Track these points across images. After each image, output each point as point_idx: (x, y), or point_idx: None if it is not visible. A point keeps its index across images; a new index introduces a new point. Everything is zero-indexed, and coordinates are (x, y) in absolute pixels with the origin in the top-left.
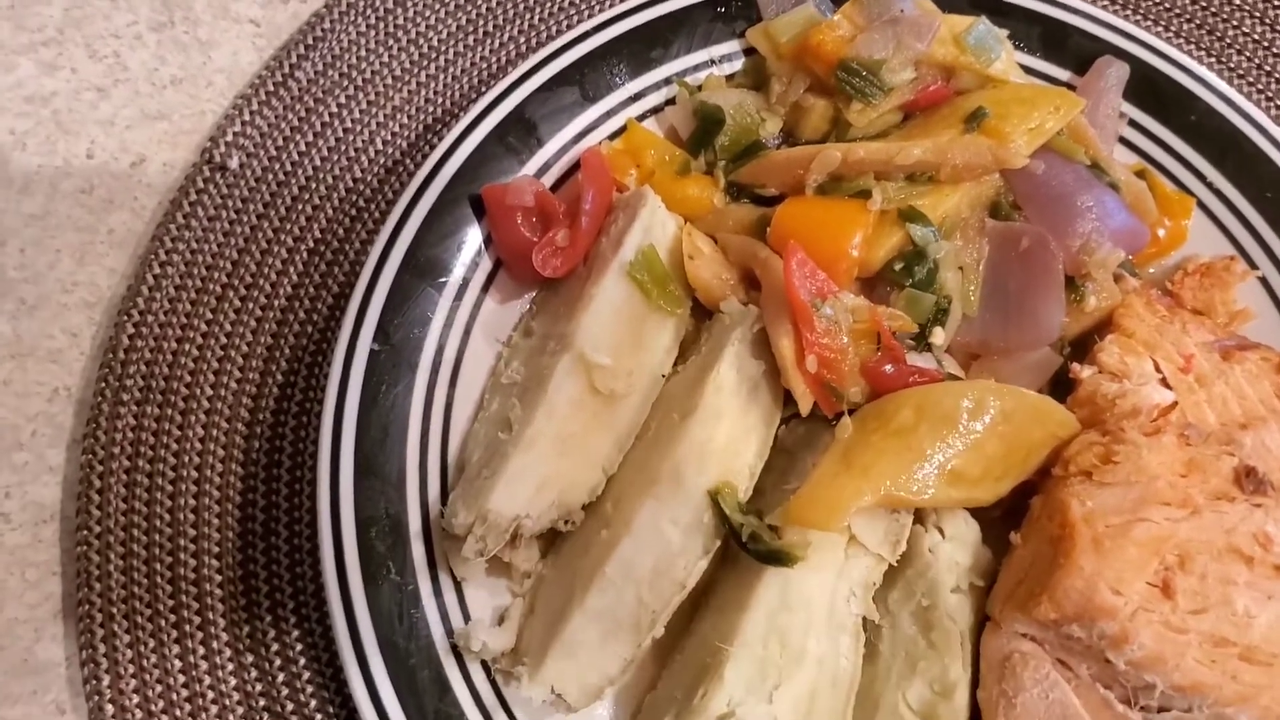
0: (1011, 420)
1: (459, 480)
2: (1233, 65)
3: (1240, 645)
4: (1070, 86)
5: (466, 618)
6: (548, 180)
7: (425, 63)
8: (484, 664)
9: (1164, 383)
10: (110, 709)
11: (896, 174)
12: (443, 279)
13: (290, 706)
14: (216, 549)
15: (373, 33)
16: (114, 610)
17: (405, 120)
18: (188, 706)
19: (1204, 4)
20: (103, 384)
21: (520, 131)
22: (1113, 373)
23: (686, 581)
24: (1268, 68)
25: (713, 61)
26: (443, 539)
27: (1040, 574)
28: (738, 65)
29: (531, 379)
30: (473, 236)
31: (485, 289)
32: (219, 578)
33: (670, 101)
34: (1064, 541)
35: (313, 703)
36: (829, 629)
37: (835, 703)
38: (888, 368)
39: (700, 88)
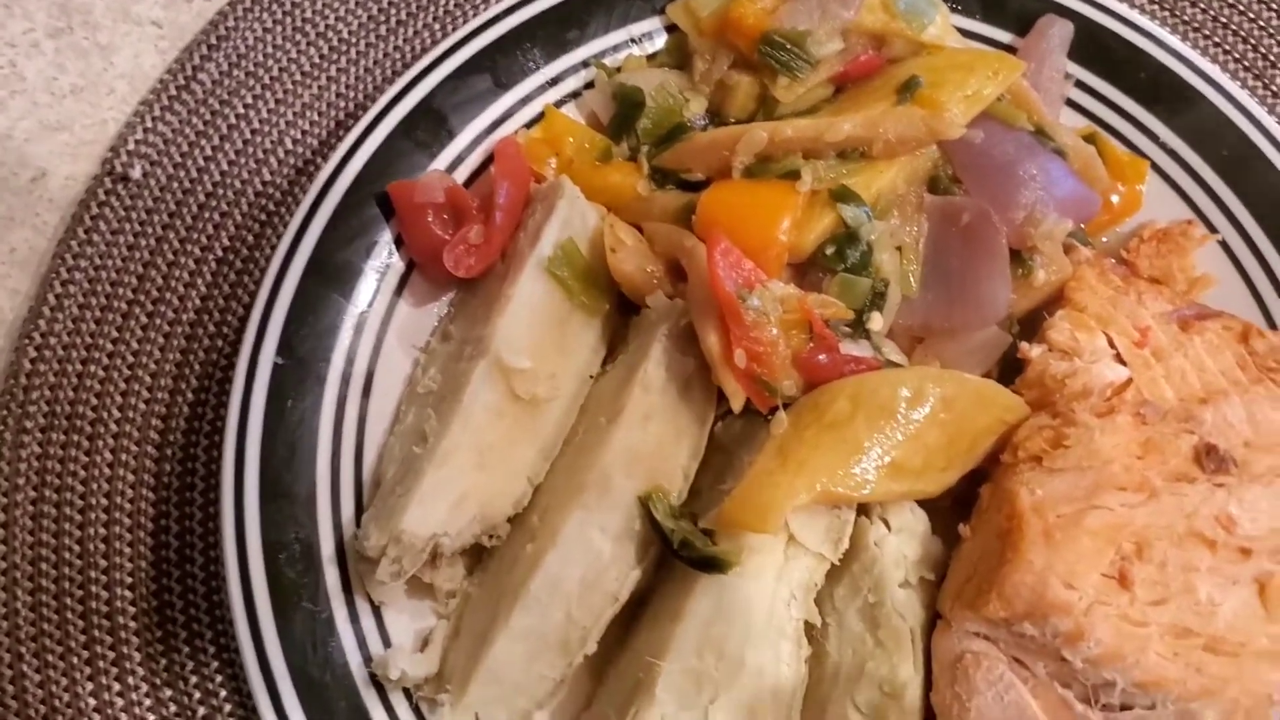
0: (953, 407)
1: (374, 498)
2: (1186, 18)
3: (1204, 636)
4: (1012, 49)
5: (387, 644)
6: (462, 174)
7: (336, 56)
8: (406, 692)
9: (1118, 358)
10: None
11: (827, 151)
12: (351, 285)
13: None
14: (130, 579)
15: (279, 28)
16: (23, 649)
17: (315, 117)
18: None
19: None
20: (5, 411)
21: (429, 124)
22: (1063, 350)
23: (619, 594)
24: (1223, 19)
25: (633, 41)
26: (358, 562)
27: (989, 569)
28: (659, 44)
29: (448, 387)
30: (383, 238)
31: (398, 293)
32: (133, 609)
33: (589, 86)
34: (1012, 534)
35: None
36: (768, 636)
37: (778, 713)
38: (821, 358)
39: (619, 69)
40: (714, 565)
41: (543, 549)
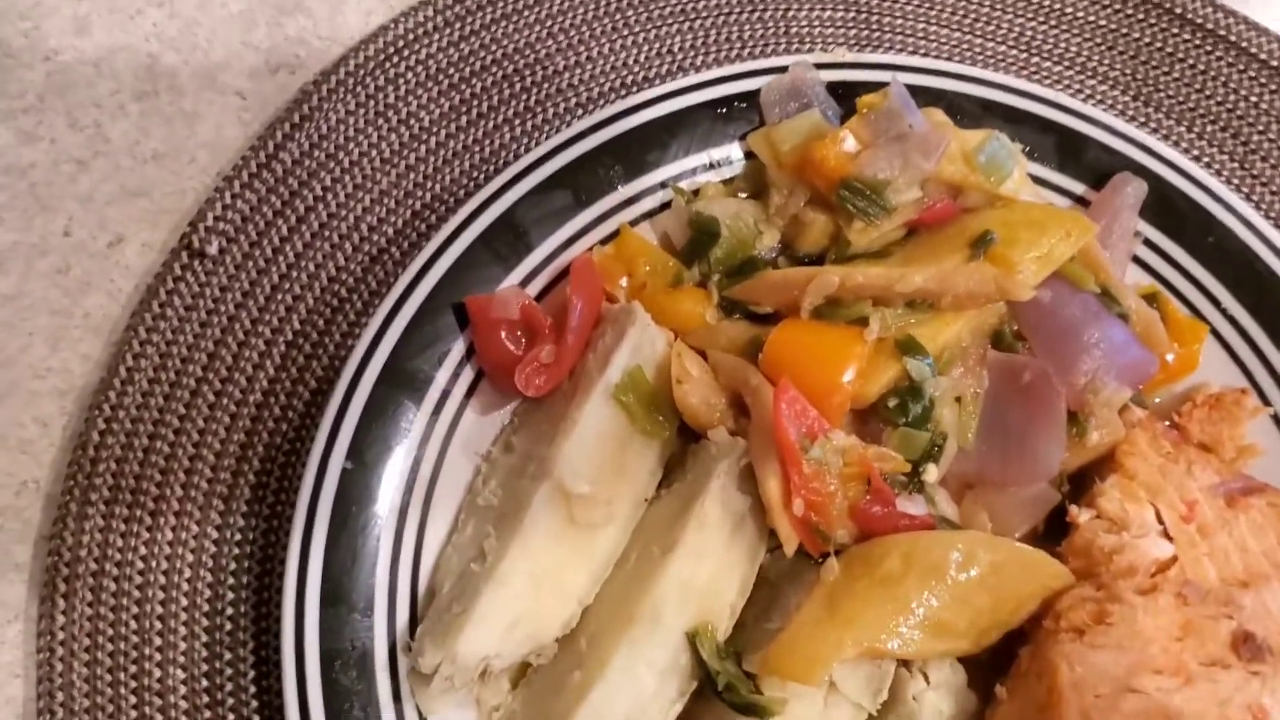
0: (1001, 573)
1: (428, 610)
2: (1255, 172)
3: None
4: (1084, 201)
5: None
6: (535, 286)
7: (415, 144)
8: None
9: (1165, 533)
10: None
11: (897, 300)
12: (421, 393)
13: None
14: (183, 659)
15: (362, 110)
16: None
17: (392, 205)
18: None
19: (1228, 105)
20: (71, 480)
21: (508, 237)
22: (1112, 520)
23: None
24: None
25: (711, 165)
26: (410, 672)
27: None
28: (737, 169)
29: (509, 504)
30: (455, 347)
31: (466, 399)
32: (184, 689)
33: (665, 205)
34: (1051, 710)
35: None
36: None
37: None
38: (876, 510)
39: (696, 193)
40: (756, 712)
41: (590, 681)
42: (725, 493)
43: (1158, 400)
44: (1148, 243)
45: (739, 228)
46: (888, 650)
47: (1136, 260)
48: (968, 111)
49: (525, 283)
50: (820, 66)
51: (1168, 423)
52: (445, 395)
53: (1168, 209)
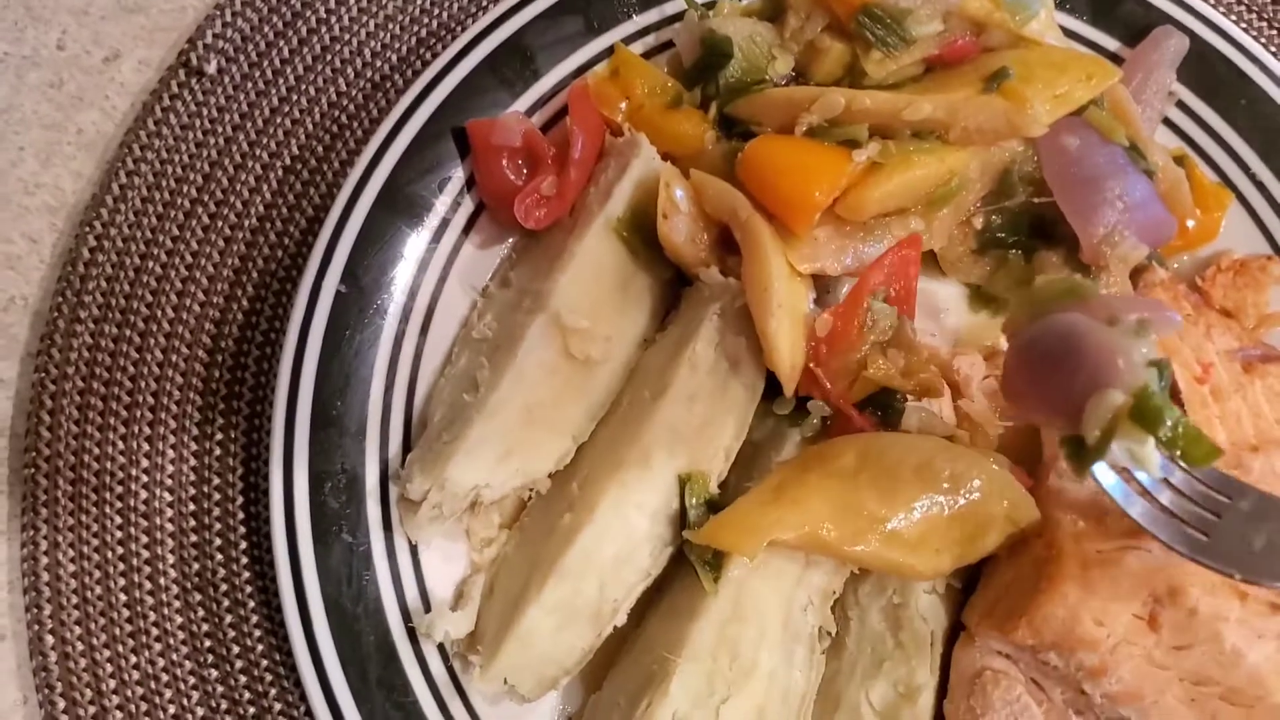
0: (960, 487)
1: (419, 439)
2: None
3: (1223, 685)
4: (1117, 58)
5: (420, 582)
6: (541, 117)
7: None
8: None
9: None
10: (50, 639)
11: (903, 129)
12: (419, 218)
13: (236, 649)
14: (170, 481)
15: None
16: (59, 539)
17: (397, 31)
18: (130, 642)
19: None
20: (60, 297)
21: (516, 61)
22: None
23: (651, 570)
24: None
25: None
26: (399, 500)
27: (1021, 594)
28: None
29: (503, 337)
30: (455, 174)
31: (465, 231)
32: (170, 511)
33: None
34: (1049, 564)
35: (259, 647)
36: (783, 640)
37: (786, 716)
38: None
39: (711, 8)
40: (710, 563)
41: (580, 522)
42: (718, 334)
43: (1176, 266)
44: (1180, 104)
45: (752, 50)
46: (831, 543)
47: (1166, 122)
48: None
49: (532, 111)
50: None
51: (1187, 286)
52: (444, 224)
53: (1202, 68)
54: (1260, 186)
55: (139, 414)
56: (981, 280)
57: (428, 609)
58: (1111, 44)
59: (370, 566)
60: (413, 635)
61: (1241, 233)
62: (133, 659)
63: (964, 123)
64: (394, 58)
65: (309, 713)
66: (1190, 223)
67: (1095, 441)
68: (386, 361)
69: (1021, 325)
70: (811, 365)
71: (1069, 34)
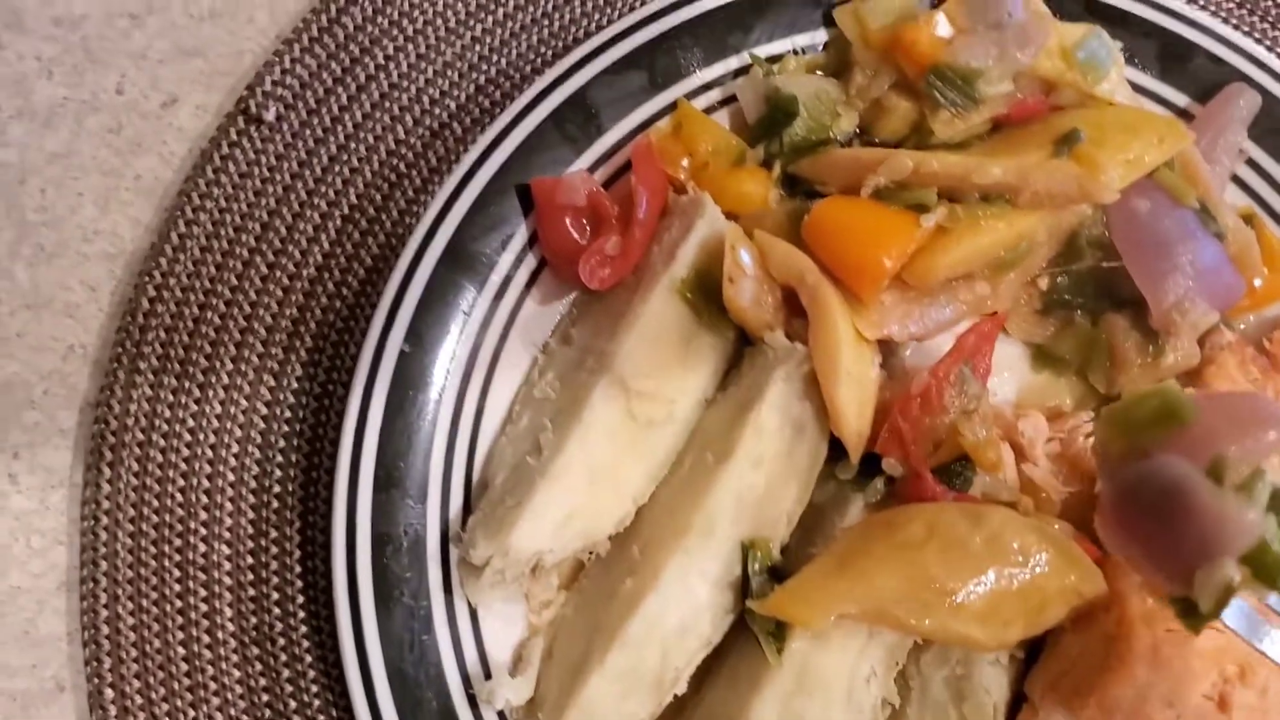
0: (1028, 560)
1: (480, 500)
2: None
3: None
4: (1186, 115)
5: (479, 645)
6: (603, 174)
7: (482, 14)
8: None
9: None
10: (110, 693)
11: (972, 191)
12: (484, 276)
13: (293, 705)
14: (228, 534)
15: None
16: (119, 591)
17: (455, 78)
18: (189, 696)
19: None
20: (119, 347)
21: (579, 118)
22: None
23: (713, 638)
24: None
25: (796, 52)
26: (460, 563)
27: (1089, 670)
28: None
29: (566, 398)
30: (519, 232)
31: (527, 287)
32: (228, 565)
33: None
34: (1119, 643)
35: (315, 703)
36: (846, 712)
37: None
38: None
39: (775, 65)
40: (774, 634)
41: (642, 590)
42: (784, 399)
43: (1242, 327)
44: (1249, 161)
45: (816, 107)
46: (897, 617)
47: (1235, 179)
48: (1067, 7)
49: (595, 167)
50: None
51: (1255, 349)
52: (507, 281)
53: (1272, 126)
54: None
55: (198, 466)
56: (1045, 341)
57: (487, 673)
58: (1181, 99)
59: (431, 630)
60: (473, 701)
61: None
62: (190, 713)
63: (1034, 187)
64: (452, 105)
65: None
66: (1258, 281)
67: (1209, 610)
68: (449, 421)
69: (1113, 453)
70: (901, 422)
71: (1137, 88)
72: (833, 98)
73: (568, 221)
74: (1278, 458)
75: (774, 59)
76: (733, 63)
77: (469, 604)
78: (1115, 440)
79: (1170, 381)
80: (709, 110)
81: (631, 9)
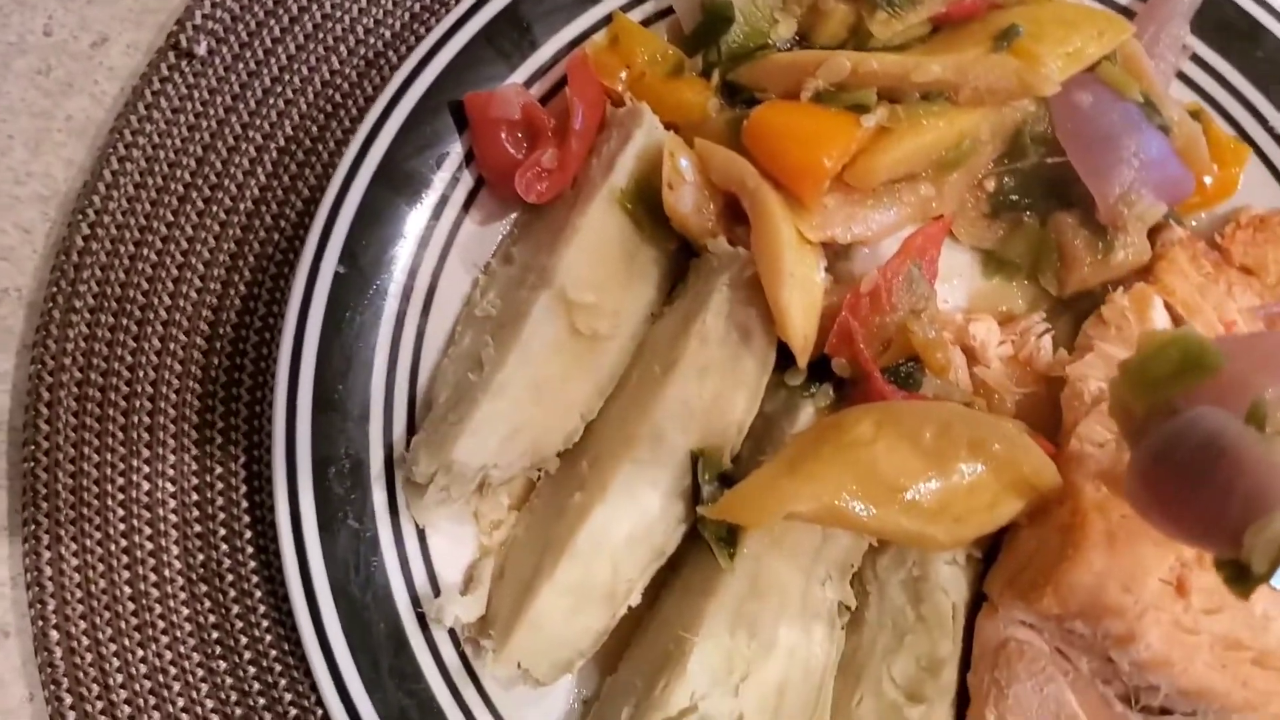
0: (979, 453)
1: (424, 421)
2: None
3: (1254, 649)
4: (1130, 12)
5: (429, 566)
6: (540, 89)
7: None
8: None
9: None
10: (55, 634)
11: (912, 91)
12: (418, 196)
13: (244, 640)
14: (171, 471)
15: None
16: (61, 532)
17: (390, 6)
18: (137, 636)
19: None
20: (55, 287)
21: (513, 32)
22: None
23: (665, 548)
24: None
25: None
26: (404, 484)
27: (1046, 563)
28: None
29: (508, 314)
30: (454, 150)
31: (465, 208)
32: (173, 502)
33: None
34: (1074, 532)
35: (267, 638)
36: (802, 616)
37: (807, 694)
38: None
39: None
40: (724, 538)
41: (591, 502)
42: (728, 305)
43: (1194, 224)
44: (1195, 58)
45: (753, 14)
46: (845, 516)
47: (1182, 77)
48: None
49: (531, 83)
50: None
51: (1206, 243)
52: (444, 200)
53: (1216, 20)
54: (1279, 140)
55: (138, 404)
56: (995, 245)
57: (437, 595)
58: None
59: (378, 552)
60: (423, 621)
61: (1260, 188)
62: (139, 653)
63: (974, 83)
64: (387, 34)
65: (320, 703)
66: (1208, 179)
67: (1265, 570)
68: (389, 342)
69: (1136, 414)
70: (850, 321)
71: None
72: (769, 4)
73: (503, 135)
74: None
75: None
76: None
77: (417, 526)
78: (1137, 400)
79: (1188, 327)
80: (646, 22)
81: None
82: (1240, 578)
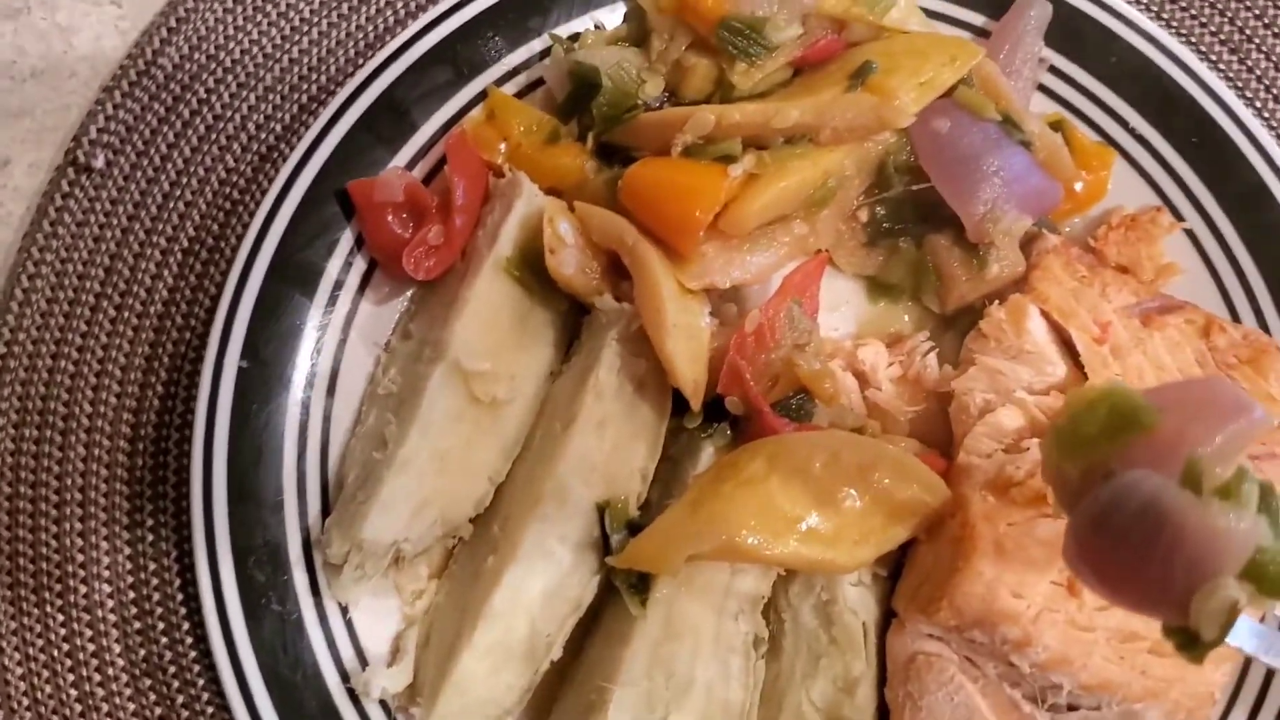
0: (869, 477)
1: (337, 501)
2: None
3: (1150, 639)
4: (985, 34)
5: (355, 642)
6: (423, 169)
7: (297, 37)
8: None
9: (1073, 354)
10: None
11: (775, 137)
12: (313, 285)
13: None
14: (107, 573)
15: (239, 8)
16: (3, 643)
17: (278, 101)
18: None
19: None
20: None
21: (391, 117)
22: (995, 339)
23: (581, 600)
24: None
25: (596, 27)
26: (324, 564)
27: (941, 575)
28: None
29: (408, 390)
30: (344, 236)
31: (361, 290)
32: (111, 602)
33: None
34: (964, 543)
35: None
36: (717, 652)
37: None
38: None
39: (577, 42)
40: (637, 586)
41: (503, 563)
42: (619, 359)
43: (1068, 229)
44: (1053, 69)
45: (620, 76)
46: (748, 550)
47: (1043, 89)
48: None
49: (414, 164)
50: None
51: (1081, 247)
52: (339, 286)
53: (1069, 31)
54: (1141, 140)
55: (69, 510)
56: (877, 271)
57: (365, 668)
58: (978, 19)
59: (304, 634)
60: (354, 695)
61: (1129, 188)
62: None
63: (833, 123)
64: (278, 127)
65: None
66: (1078, 185)
67: (1214, 636)
68: (297, 429)
69: (1070, 478)
70: (738, 360)
71: (933, 15)
72: (636, 65)
73: (389, 218)
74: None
75: (575, 37)
76: (536, 45)
77: (340, 605)
78: (1069, 461)
79: (1116, 381)
80: (520, 94)
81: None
82: (1190, 644)
